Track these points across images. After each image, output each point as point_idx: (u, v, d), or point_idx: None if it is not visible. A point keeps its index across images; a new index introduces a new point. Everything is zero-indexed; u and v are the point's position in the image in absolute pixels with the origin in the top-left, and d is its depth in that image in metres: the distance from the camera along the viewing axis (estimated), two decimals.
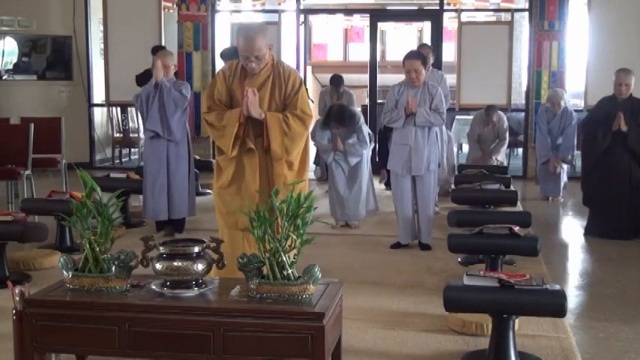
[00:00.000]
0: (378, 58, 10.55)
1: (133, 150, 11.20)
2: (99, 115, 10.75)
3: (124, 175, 6.61)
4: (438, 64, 9.73)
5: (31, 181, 7.19)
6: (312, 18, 13.20)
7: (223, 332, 2.64)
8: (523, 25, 10.72)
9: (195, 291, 2.83)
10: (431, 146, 5.55)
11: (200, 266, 2.83)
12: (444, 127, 7.37)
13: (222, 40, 10.28)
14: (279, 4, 11.03)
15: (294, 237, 2.75)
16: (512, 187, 6.40)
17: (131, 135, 10.85)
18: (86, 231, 2.86)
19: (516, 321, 3.36)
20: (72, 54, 10.33)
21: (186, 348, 2.67)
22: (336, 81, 8.60)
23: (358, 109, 6.68)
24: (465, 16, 10.07)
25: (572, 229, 6.74)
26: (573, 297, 4.50)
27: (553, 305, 3.08)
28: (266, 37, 3.68)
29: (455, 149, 10.96)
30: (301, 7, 10.03)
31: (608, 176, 6.02)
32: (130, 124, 10.92)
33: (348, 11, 13.71)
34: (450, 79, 10.09)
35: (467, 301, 3.18)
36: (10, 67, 10.49)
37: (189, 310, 2.70)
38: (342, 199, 6.38)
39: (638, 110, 6.03)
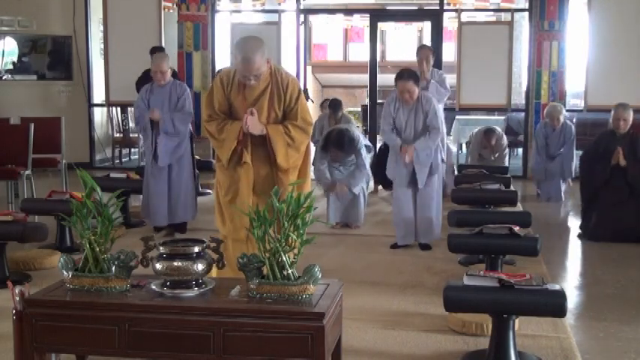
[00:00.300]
0: (378, 58, 10.55)
1: (133, 150, 11.20)
2: (99, 115, 10.75)
3: (124, 175, 6.61)
4: (438, 64, 9.75)
5: (31, 181, 7.19)
6: (312, 18, 13.21)
7: (223, 332, 2.64)
8: (523, 25, 10.73)
9: (195, 291, 2.83)
10: (432, 160, 5.55)
11: (200, 266, 2.83)
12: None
13: (222, 40, 10.29)
14: (279, 4, 11.03)
15: (294, 237, 2.76)
16: (512, 187, 6.41)
17: (131, 135, 10.85)
18: (86, 231, 2.86)
19: (516, 321, 3.36)
20: (72, 54, 10.33)
21: (186, 348, 2.67)
22: (335, 105, 8.36)
23: (357, 132, 6.59)
24: (465, 16, 10.06)
25: (572, 229, 6.74)
26: (573, 297, 4.50)
27: (553, 305, 3.08)
28: (264, 54, 3.62)
29: (455, 149, 10.98)
30: (301, 7, 10.03)
31: (608, 211, 5.98)
32: (130, 124, 10.91)
33: (348, 11, 13.72)
34: (450, 79, 10.10)
35: (467, 301, 3.18)
36: (10, 67, 10.49)
37: (189, 310, 2.70)
38: (342, 204, 6.40)
39: (636, 145, 6.04)
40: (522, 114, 9.97)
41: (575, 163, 7.86)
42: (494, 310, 3.18)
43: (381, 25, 13.06)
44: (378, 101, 10.57)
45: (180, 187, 5.98)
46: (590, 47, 9.34)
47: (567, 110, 9.62)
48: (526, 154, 9.68)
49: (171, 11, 10.54)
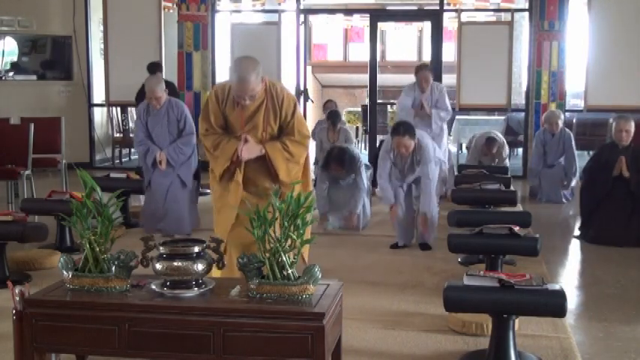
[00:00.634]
0: (378, 58, 10.54)
1: (132, 150, 11.19)
2: (99, 115, 10.75)
3: (124, 175, 6.61)
4: (438, 64, 9.76)
5: (31, 181, 7.19)
6: (312, 18, 13.20)
7: (223, 332, 2.64)
8: (523, 25, 10.73)
9: (195, 291, 2.83)
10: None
11: (200, 266, 2.83)
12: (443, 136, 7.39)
13: (222, 40, 10.29)
14: (279, 4, 11.02)
15: (294, 237, 2.76)
16: (512, 187, 6.40)
17: (131, 135, 10.82)
18: (86, 231, 2.86)
19: (516, 321, 3.36)
20: (72, 54, 10.32)
21: (186, 348, 2.67)
22: (333, 117, 8.20)
23: (357, 150, 6.56)
24: (465, 16, 10.06)
25: (572, 229, 6.74)
26: (573, 297, 4.49)
27: (553, 305, 3.08)
28: (259, 74, 3.62)
29: (455, 149, 10.99)
30: (301, 7, 10.03)
31: (609, 222, 5.92)
32: (130, 124, 10.91)
33: (348, 11, 13.72)
34: (450, 79, 10.16)
35: (467, 301, 3.18)
36: (10, 67, 10.49)
37: (189, 310, 2.70)
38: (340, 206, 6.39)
39: (638, 157, 5.96)
40: (522, 114, 9.97)
41: (577, 166, 7.84)
42: (494, 310, 3.18)
43: (381, 25, 13.05)
44: (378, 101, 10.58)
45: (176, 200, 5.98)
46: (590, 47, 9.34)
47: (567, 110, 9.67)
48: (526, 154, 9.67)
49: (171, 11, 10.54)
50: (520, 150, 10.67)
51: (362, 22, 14.46)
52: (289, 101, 3.77)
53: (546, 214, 7.29)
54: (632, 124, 6.04)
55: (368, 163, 7.01)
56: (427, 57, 11.65)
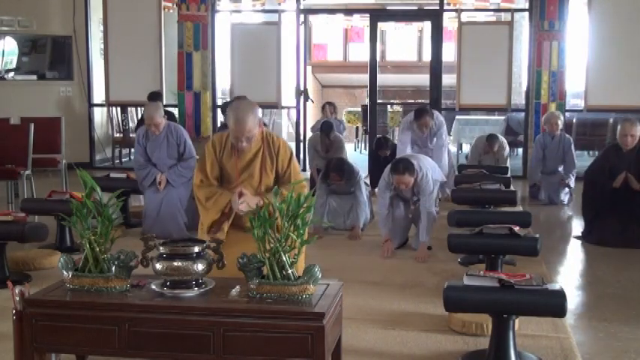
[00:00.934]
0: (378, 58, 10.54)
1: (132, 150, 11.18)
2: (99, 115, 10.75)
3: (124, 175, 6.61)
4: (438, 64, 9.76)
5: (31, 181, 7.19)
6: (312, 18, 13.21)
7: (223, 332, 2.64)
8: (523, 25, 10.73)
9: (195, 291, 2.83)
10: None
11: (200, 266, 2.83)
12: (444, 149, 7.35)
13: (222, 40, 10.29)
14: (279, 4, 11.03)
15: (294, 237, 2.76)
16: (512, 187, 6.40)
17: (131, 135, 10.83)
18: (86, 231, 2.86)
19: (516, 321, 3.36)
20: (72, 54, 10.32)
21: (186, 348, 2.67)
22: (326, 128, 8.05)
23: (356, 166, 6.51)
24: (465, 16, 10.06)
25: (572, 229, 6.74)
26: (573, 297, 4.49)
27: (553, 305, 3.08)
28: (256, 116, 3.65)
29: (455, 149, 10.99)
30: (301, 7, 10.03)
31: (612, 227, 5.86)
32: (130, 124, 10.92)
33: (348, 11, 13.72)
34: (450, 79, 10.17)
35: (467, 301, 3.18)
36: (10, 67, 10.49)
37: (189, 310, 2.70)
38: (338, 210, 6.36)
39: None
40: (522, 114, 9.97)
41: (575, 169, 7.83)
42: (494, 310, 3.18)
43: (381, 25, 13.05)
44: (378, 101, 10.58)
45: (172, 204, 5.97)
46: (590, 47, 9.34)
47: (567, 110, 9.67)
48: (526, 154, 9.67)
49: (171, 11, 10.54)
50: (520, 150, 10.66)
51: (362, 22, 14.46)
52: (285, 150, 3.77)
53: (546, 214, 7.29)
54: (638, 128, 5.92)
55: (367, 182, 6.95)
56: (427, 57, 11.66)
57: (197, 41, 9.87)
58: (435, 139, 7.34)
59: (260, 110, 12.27)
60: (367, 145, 11.02)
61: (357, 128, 13.40)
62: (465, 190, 6.04)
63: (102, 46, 10.34)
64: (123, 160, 11.00)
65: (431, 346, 3.62)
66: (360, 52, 15.49)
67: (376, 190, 5.99)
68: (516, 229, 4.22)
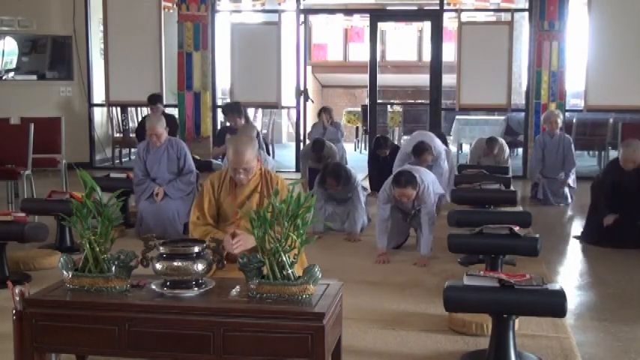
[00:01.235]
0: (378, 58, 10.55)
1: (132, 150, 11.19)
2: (99, 115, 10.75)
3: (124, 175, 6.61)
4: (438, 64, 9.76)
5: (31, 181, 7.19)
6: (312, 18, 13.20)
7: (223, 332, 2.64)
8: (523, 25, 10.72)
9: (195, 291, 2.83)
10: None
11: (200, 266, 2.83)
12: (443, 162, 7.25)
13: (222, 40, 10.29)
14: (279, 4, 11.03)
15: (294, 237, 2.76)
16: (512, 187, 6.40)
17: (131, 135, 10.84)
18: (86, 231, 2.86)
19: (516, 321, 3.36)
20: (72, 54, 10.32)
21: (186, 348, 2.67)
22: (319, 148, 7.75)
23: (353, 171, 6.46)
24: (465, 16, 10.06)
25: (572, 229, 6.74)
26: (573, 297, 4.49)
27: (553, 305, 3.08)
28: (254, 149, 3.74)
29: (455, 149, 10.99)
30: (301, 7, 10.02)
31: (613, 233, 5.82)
32: (130, 124, 10.92)
33: (348, 11, 13.72)
34: (450, 79, 10.16)
35: (467, 301, 3.18)
36: (10, 67, 10.48)
37: (189, 310, 2.70)
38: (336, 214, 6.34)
39: None
40: (522, 114, 9.96)
41: (575, 168, 7.81)
42: (495, 310, 3.18)
43: (381, 25, 13.05)
44: (378, 101, 10.58)
45: (168, 212, 5.93)
46: (590, 47, 9.33)
47: (567, 110, 9.67)
48: (526, 154, 9.67)
49: (171, 11, 10.54)
50: (520, 150, 10.66)
51: (362, 22, 14.46)
52: (283, 187, 3.77)
53: (546, 214, 7.29)
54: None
55: (365, 186, 6.89)
56: (427, 57, 11.65)
57: (197, 41, 9.87)
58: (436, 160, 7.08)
59: (261, 111, 12.31)
60: (367, 145, 11.01)
61: (357, 128, 13.40)
62: (465, 190, 6.03)
63: (102, 46, 10.33)
64: (123, 160, 10.99)
65: (431, 346, 3.62)
66: (360, 52, 15.48)
67: (377, 193, 5.96)
68: (516, 229, 4.22)
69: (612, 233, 5.80)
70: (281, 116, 13.23)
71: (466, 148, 11.45)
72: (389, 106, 12.67)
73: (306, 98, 10.11)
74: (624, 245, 5.71)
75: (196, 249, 2.86)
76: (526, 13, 9.83)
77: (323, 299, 2.74)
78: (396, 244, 5.68)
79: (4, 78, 10.32)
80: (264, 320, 2.63)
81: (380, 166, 7.91)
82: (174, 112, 9.96)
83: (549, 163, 7.86)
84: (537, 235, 4.30)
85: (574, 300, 4.43)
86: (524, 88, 10.61)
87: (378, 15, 11.10)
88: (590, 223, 6.06)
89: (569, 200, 7.80)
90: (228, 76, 10.16)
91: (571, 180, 7.83)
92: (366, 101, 10.69)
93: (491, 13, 12.10)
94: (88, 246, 2.86)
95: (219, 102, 10.24)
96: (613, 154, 9.65)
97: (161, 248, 2.85)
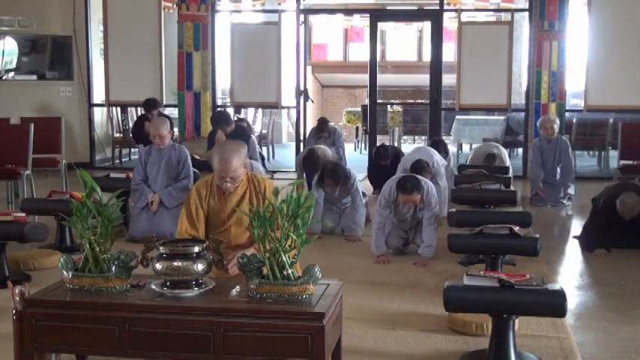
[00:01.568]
0: (378, 58, 10.54)
1: (133, 150, 11.19)
2: (99, 115, 10.74)
3: (124, 175, 6.60)
4: (438, 64, 9.76)
5: (31, 181, 7.19)
6: (312, 18, 13.20)
7: (223, 332, 2.64)
8: (523, 25, 10.72)
9: (195, 291, 2.83)
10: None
11: (200, 266, 2.83)
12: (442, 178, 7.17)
13: (222, 40, 10.29)
14: (279, 4, 11.02)
15: (294, 237, 2.76)
16: (512, 187, 6.40)
17: (131, 135, 10.83)
18: (86, 231, 2.86)
19: (516, 321, 3.36)
20: (72, 54, 10.31)
21: (186, 348, 2.67)
22: (314, 164, 7.29)
23: (353, 172, 6.38)
24: (465, 16, 10.06)
25: (572, 229, 6.74)
26: (573, 297, 4.49)
27: (553, 305, 3.08)
28: (241, 158, 3.66)
29: (454, 149, 10.99)
30: (301, 7, 10.01)
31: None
32: (130, 124, 10.90)
33: (348, 11, 13.72)
34: (450, 79, 10.16)
35: (467, 301, 3.18)
36: (10, 67, 10.48)
37: (189, 310, 2.70)
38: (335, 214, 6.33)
39: None
40: (522, 114, 9.96)
41: (574, 174, 7.79)
42: (495, 310, 3.18)
43: (381, 25, 13.04)
44: (378, 101, 10.58)
45: (162, 222, 5.88)
46: (590, 47, 9.33)
47: (567, 110, 9.66)
48: (526, 154, 9.66)
49: (171, 11, 10.53)
50: (520, 150, 10.66)
51: (362, 22, 14.45)
52: (271, 190, 3.73)
53: (546, 214, 7.29)
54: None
55: (364, 190, 6.86)
56: (427, 57, 11.65)
57: (197, 41, 9.86)
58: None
59: (261, 111, 12.27)
60: (367, 145, 11.01)
61: (357, 128, 13.40)
62: (465, 190, 6.03)
63: (102, 46, 10.33)
64: (123, 160, 10.99)
65: (431, 346, 3.62)
66: (360, 52, 15.48)
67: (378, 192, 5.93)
68: (516, 229, 4.22)
69: (609, 244, 5.73)
70: (281, 116, 13.23)
71: (466, 148, 11.45)
72: (389, 106, 12.67)
73: (306, 98, 10.11)
74: (625, 245, 5.70)
75: (196, 249, 2.86)
76: (526, 13, 9.82)
77: (323, 299, 2.74)
78: (396, 251, 5.62)
79: (4, 78, 10.32)
80: (264, 320, 2.63)
81: (380, 171, 7.84)
82: (174, 112, 9.97)
83: (547, 168, 7.82)
84: (537, 235, 4.30)
85: (574, 300, 4.43)
86: (524, 88, 10.61)
87: (378, 15, 11.10)
88: (587, 232, 5.95)
89: (570, 203, 7.79)
90: (228, 76, 10.16)
91: (571, 189, 7.79)
92: (366, 101, 10.68)
93: (491, 13, 12.09)
94: (88, 246, 2.86)
95: (219, 102, 10.24)
96: (613, 154, 9.67)
97: (161, 248, 2.85)
